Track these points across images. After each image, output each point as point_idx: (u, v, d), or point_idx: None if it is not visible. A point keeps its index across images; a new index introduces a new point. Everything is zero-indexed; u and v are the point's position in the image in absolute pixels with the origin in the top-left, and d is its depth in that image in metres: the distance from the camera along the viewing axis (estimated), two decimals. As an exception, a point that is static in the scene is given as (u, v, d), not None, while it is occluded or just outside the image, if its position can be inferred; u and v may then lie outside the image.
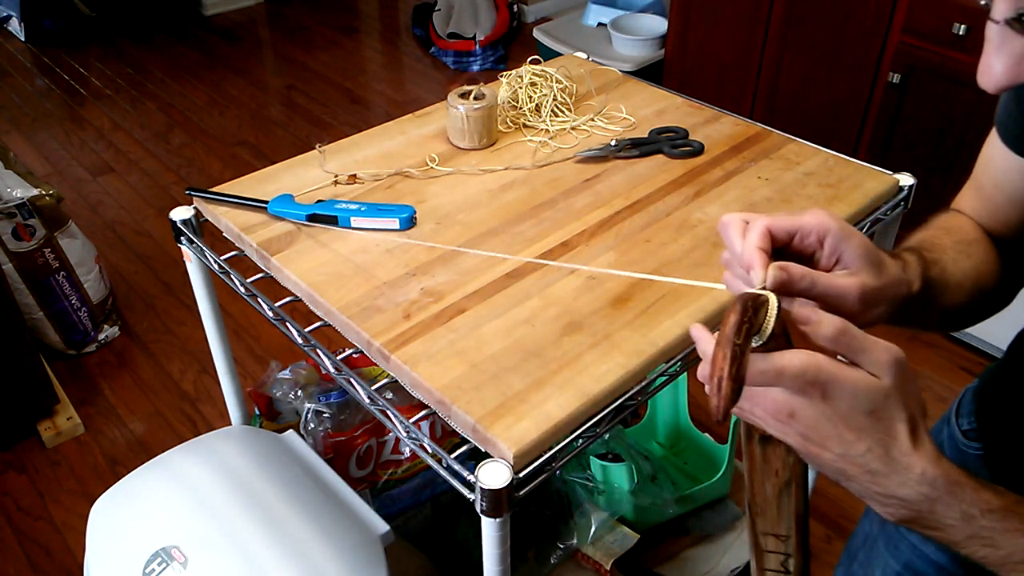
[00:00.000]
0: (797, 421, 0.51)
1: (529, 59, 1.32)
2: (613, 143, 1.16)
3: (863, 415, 0.51)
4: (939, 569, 0.87)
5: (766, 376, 0.50)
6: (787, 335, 0.52)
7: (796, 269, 0.54)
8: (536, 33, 3.45)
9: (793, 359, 0.50)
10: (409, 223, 1.00)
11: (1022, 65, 0.51)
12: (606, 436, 1.50)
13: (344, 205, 1.00)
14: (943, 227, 0.77)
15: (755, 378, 0.50)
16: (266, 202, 1.02)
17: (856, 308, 0.57)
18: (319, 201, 1.02)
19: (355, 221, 1.00)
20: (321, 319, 0.92)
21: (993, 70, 0.52)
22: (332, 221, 1.00)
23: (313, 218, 1.00)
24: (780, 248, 0.58)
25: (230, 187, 1.08)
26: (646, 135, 1.20)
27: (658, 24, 3.26)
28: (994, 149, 0.74)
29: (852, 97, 2.48)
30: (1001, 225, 0.76)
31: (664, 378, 0.85)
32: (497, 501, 0.72)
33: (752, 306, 0.49)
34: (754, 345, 0.50)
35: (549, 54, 3.24)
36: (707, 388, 0.48)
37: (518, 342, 0.84)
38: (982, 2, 0.52)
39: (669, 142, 1.17)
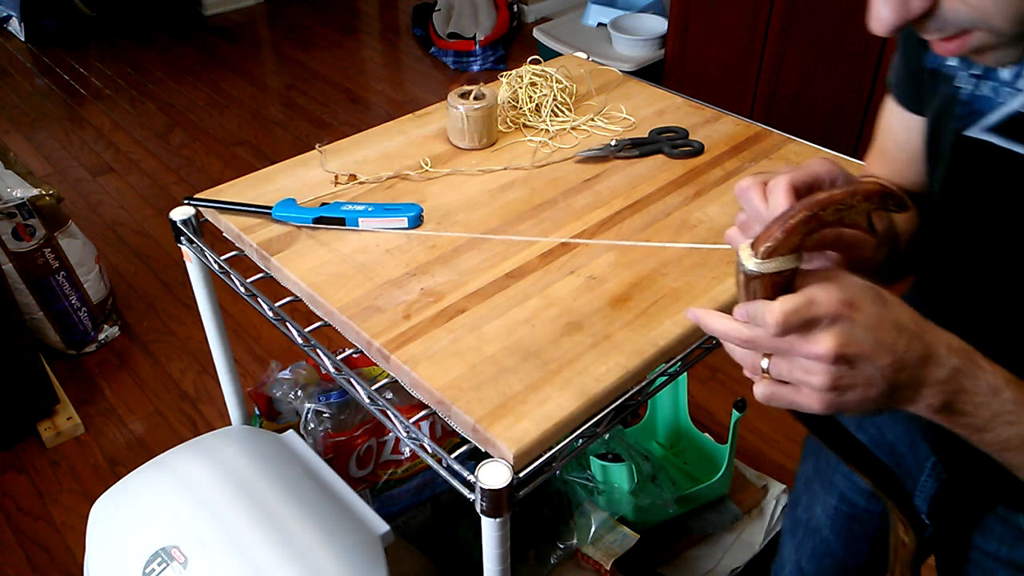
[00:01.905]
0: (850, 346, 0.51)
1: (529, 59, 1.32)
2: (613, 143, 1.16)
3: (884, 307, 0.52)
4: (869, 496, 0.94)
5: (799, 313, 0.50)
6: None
7: None
8: (536, 33, 3.45)
9: (817, 286, 0.51)
10: (417, 222, 1.00)
11: (908, 3, 0.52)
12: (606, 436, 1.50)
13: (350, 207, 1.00)
14: None
15: (791, 318, 0.50)
16: (270, 208, 1.01)
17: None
18: (324, 204, 1.01)
19: (363, 222, 0.99)
20: (321, 319, 0.92)
21: (882, 13, 0.54)
22: (339, 223, 1.00)
23: (319, 221, 1.00)
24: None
25: (230, 187, 1.08)
26: (646, 135, 1.20)
27: (658, 24, 3.26)
28: (891, 113, 0.80)
29: (852, 97, 2.48)
30: (907, 183, 0.82)
31: (664, 378, 0.85)
32: (497, 501, 0.72)
33: (842, 206, 0.51)
34: (780, 270, 0.51)
35: (549, 54, 3.24)
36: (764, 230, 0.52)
37: (518, 342, 0.84)
38: None
39: (669, 142, 1.17)
